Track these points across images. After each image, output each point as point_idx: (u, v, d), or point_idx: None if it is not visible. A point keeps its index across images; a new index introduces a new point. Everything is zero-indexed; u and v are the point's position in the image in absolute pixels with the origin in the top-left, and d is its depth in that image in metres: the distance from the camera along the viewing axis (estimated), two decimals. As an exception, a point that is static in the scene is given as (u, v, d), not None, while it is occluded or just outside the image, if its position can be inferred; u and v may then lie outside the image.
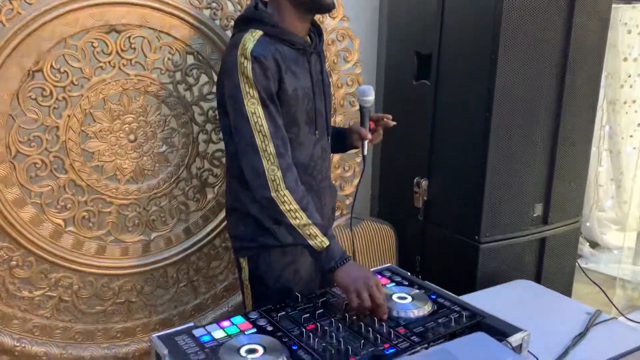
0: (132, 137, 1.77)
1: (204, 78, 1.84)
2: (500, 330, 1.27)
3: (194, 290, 2.00)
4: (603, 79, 3.23)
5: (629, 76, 3.34)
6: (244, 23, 1.47)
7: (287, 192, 1.39)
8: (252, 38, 1.39)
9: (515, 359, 1.04)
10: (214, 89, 1.84)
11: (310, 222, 1.39)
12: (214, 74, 1.83)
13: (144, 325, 1.93)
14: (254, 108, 1.38)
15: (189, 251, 1.94)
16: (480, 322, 1.32)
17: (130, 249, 1.85)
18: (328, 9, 1.50)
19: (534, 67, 1.96)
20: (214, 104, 1.85)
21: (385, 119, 1.61)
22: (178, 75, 1.79)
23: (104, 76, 1.69)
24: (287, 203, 1.39)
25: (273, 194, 1.38)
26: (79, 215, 1.75)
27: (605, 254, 3.47)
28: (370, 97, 1.54)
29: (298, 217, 1.39)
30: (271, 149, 1.39)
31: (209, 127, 1.89)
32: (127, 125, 1.76)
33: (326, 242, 1.38)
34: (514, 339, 1.25)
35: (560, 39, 1.99)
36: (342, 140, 1.71)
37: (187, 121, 1.84)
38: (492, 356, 1.03)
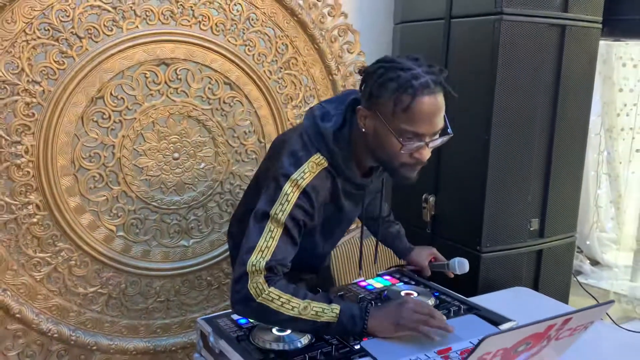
0: (176, 155, 2.04)
1: (238, 105, 2.11)
2: (491, 320, 1.46)
3: (223, 293, 2.24)
4: (600, 108, 3.47)
5: (625, 105, 3.57)
6: (318, 134, 1.32)
7: (272, 289, 1.24)
8: (313, 169, 1.30)
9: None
10: (246, 115, 2.12)
11: (307, 301, 1.25)
12: (247, 101, 2.10)
13: (180, 323, 2.17)
14: (274, 227, 1.27)
15: (220, 257, 2.19)
16: (476, 314, 1.52)
17: (171, 253, 2.10)
18: (405, 182, 1.32)
19: (528, 96, 2.18)
20: (246, 128, 2.13)
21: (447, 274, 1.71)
22: (216, 103, 2.07)
23: (154, 102, 1.97)
24: (276, 298, 1.24)
25: (259, 300, 1.24)
26: (128, 222, 2.01)
27: (606, 271, 3.65)
28: (465, 270, 1.70)
29: (294, 305, 1.24)
30: (262, 265, 1.25)
31: (241, 148, 2.15)
32: (172, 145, 2.03)
33: (337, 308, 1.25)
34: (503, 327, 1.43)
35: (552, 72, 2.21)
36: (393, 248, 1.81)
37: (223, 142, 2.11)
38: (479, 331, 1.25)
